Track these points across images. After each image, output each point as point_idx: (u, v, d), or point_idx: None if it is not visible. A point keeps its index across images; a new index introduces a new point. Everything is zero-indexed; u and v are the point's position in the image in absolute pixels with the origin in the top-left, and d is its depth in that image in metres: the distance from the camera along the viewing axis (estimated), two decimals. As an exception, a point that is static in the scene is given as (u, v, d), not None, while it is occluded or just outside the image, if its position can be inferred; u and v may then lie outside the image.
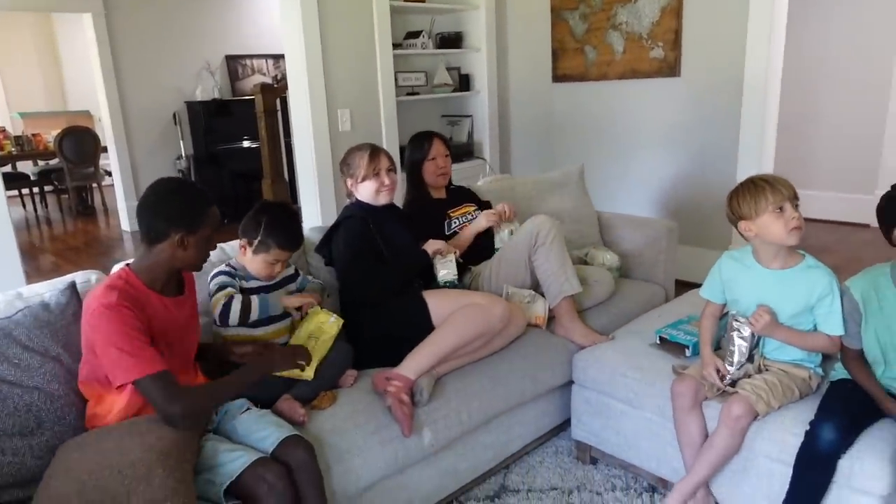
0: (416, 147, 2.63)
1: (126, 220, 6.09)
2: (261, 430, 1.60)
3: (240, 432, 1.62)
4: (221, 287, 1.85)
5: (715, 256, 2.01)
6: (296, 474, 1.52)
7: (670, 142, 3.86)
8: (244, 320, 1.83)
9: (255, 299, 1.85)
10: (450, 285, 2.28)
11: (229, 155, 6.32)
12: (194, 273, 1.77)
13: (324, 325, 1.92)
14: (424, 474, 1.93)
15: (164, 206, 1.55)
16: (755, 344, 1.82)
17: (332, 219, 2.30)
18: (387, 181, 2.25)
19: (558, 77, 4.33)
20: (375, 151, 2.26)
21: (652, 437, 2.03)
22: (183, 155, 6.23)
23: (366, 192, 2.24)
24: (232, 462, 1.47)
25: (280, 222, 1.90)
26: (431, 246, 2.25)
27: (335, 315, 1.95)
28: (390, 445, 1.79)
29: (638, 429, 2.06)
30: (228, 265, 1.93)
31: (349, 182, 2.29)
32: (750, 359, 1.82)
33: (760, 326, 1.75)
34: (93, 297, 1.51)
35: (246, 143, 6.40)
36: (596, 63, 4.09)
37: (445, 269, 2.27)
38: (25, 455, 1.46)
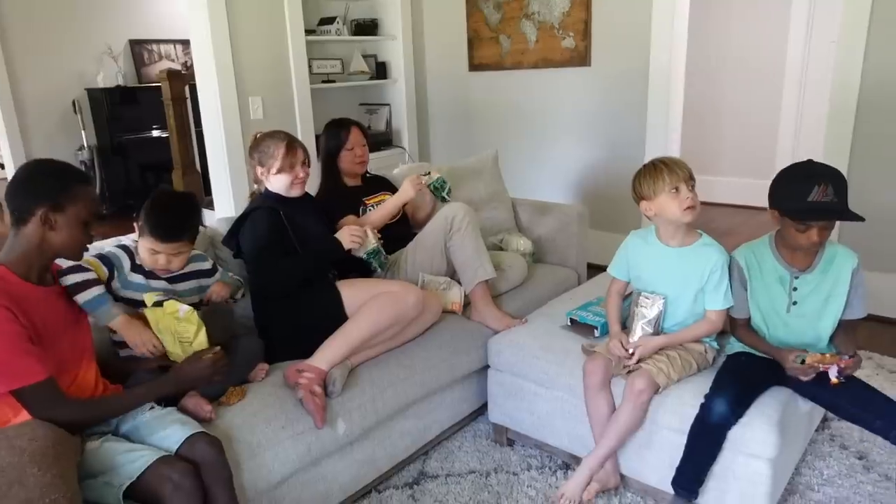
0: (333, 135, 2.57)
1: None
2: (164, 429, 1.53)
3: (141, 432, 1.55)
4: (99, 254, 1.75)
5: (623, 240, 2.09)
6: (203, 472, 1.47)
7: (582, 129, 3.97)
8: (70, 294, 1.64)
9: (88, 294, 1.63)
10: (374, 257, 2.21)
11: (137, 145, 5.99)
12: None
13: (182, 324, 1.70)
14: (340, 465, 1.91)
15: (30, 182, 1.45)
16: (658, 323, 1.91)
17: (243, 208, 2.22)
18: (301, 174, 2.17)
19: (474, 65, 4.36)
20: (292, 144, 2.16)
21: (564, 416, 2.09)
22: (85, 145, 5.86)
23: (279, 184, 2.17)
24: (132, 462, 1.41)
25: (158, 208, 1.76)
26: (347, 239, 2.14)
27: (182, 306, 1.71)
28: (302, 438, 1.76)
29: (551, 409, 2.12)
30: (133, 241, 1.85)
31: (259, 170, 2.20)
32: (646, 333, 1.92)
33: (641, 353, 1.88)
34: None
35: (155, 133, 6.08)
36: (510, 52, 4.14)
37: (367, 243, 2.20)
38: None
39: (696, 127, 5.03)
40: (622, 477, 1.99)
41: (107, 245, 1.89)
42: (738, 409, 1.71)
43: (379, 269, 2.31)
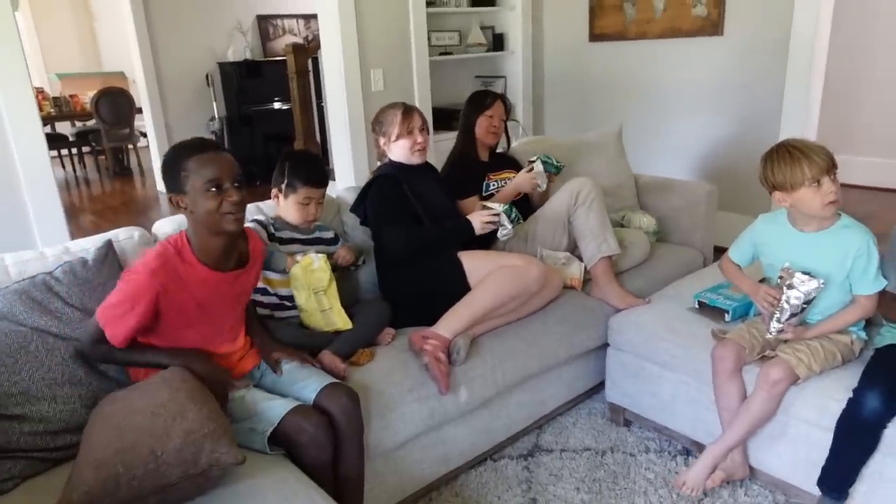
0: (477, 100, 2.57)
1: (161, 181, 6.17)
2: (303, 380, 1.63)
3: (281, 383, 1.65)
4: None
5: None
6: (337, 423, 1.55)
7: (711, 104, 3.75)
8: None
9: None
10: (509, 213, 2.16)
11: (261, 116, 6.33)
12: (261, 242, 1.73)
13: (316, 273, 1.86)
14: (460, 431, 1.96)
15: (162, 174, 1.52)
16: (807, 309, 1.75)
17: (364, 179, 2.30)
18: (420, 139, 2.21)
19: (595, 36, 4.21)
20: (409, 110, 2.23)
21: (688, 400, 2.02)
22: (216, 116, 6.25)
23: (399, 151, 2.22)
24: (272, 410, 1.51)
25: (301, 162, 1.97)
26: (479, 225, 2.13)
27: (315, 255, 1.88)
28: (427, 402, 1.81)
29: (674, 392, 2.05)
30: (263, 215, 1.98)
31: (381, 141, 2.26)
32: (797, 315, 1.75)
33: (791, 337, 1.76)
34: (148, 252, 1.51)
35: (277, 105, 6.39)
36: (635, 21, 3.96)
37: (502, 229, 2.16)
38: (76, 403, 1.51)
39: (834, 102, 4.60)
40: (750, 469, 1.90)
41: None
42: (893, 405, 1.57)
43: (511, 226, 2.17)
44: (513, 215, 2.15)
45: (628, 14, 3.98)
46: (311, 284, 1.86)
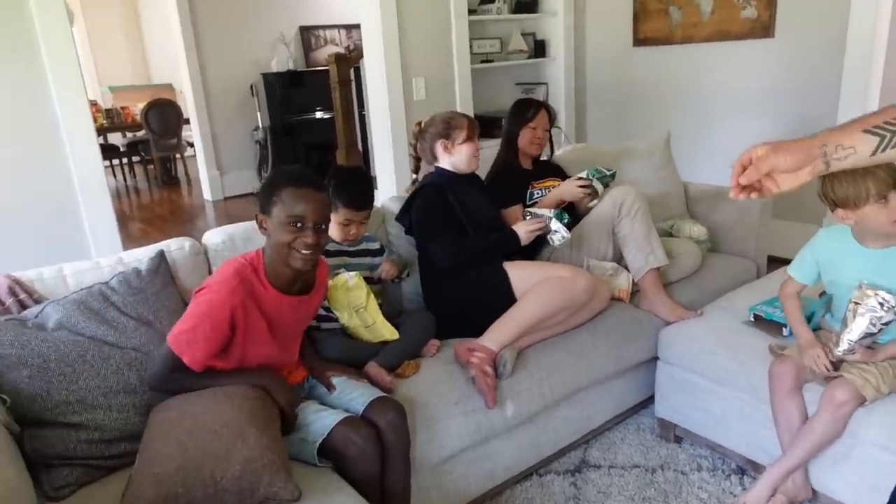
0: (521, 111, 2.54)
1: (208, 189, 6.30)
2: (352, 392, 1.63)
3: (332, 395, 1.65)
4: None
5: (809, 231, 1.89)
6: (385, 434, 1.54)
7: (762, 108, 3.63)
8: None
9: None
10: (560, 218, 2.15)
11: (303, 126, 6.41)
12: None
13: (353, 291, 1.84)
14: (506, 446, 1.92)
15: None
16: (885, 325, 1.65)
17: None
18: (478, 146, 2.23)
19: (639, 41, 4.14)
20: (472, 118, 2.26)
21: (743, 418, 1.94)
22: (260, 126, 6.36)
23: (460, 155, 2.20)
24: (322, 420, 1.51)
25: (346, 183, 1.93)
26: (525, 236, 2.11)
27: (348, 273, 1.86)
28: (473, 416, 1.79)
29: (728, 409, 1.98)
30: None
31: (440, 145, 2.20)
32: (872, 335, 1.65)
33: (858, 359, 1.68)
34: (224, 269, 1.51)
35: (318, 114, 6.47)
36: (681, 25, 3.88)
37: (556, 234, 2.14)
38: (130, 411, 1.53)
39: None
40: (812, 492, 1.82)
41: None
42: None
43: (566, 230, 2.15)
44: (565, 220, 2.11)
45: (674, 18, 3.90)
46: (350, 302, 1.85)
